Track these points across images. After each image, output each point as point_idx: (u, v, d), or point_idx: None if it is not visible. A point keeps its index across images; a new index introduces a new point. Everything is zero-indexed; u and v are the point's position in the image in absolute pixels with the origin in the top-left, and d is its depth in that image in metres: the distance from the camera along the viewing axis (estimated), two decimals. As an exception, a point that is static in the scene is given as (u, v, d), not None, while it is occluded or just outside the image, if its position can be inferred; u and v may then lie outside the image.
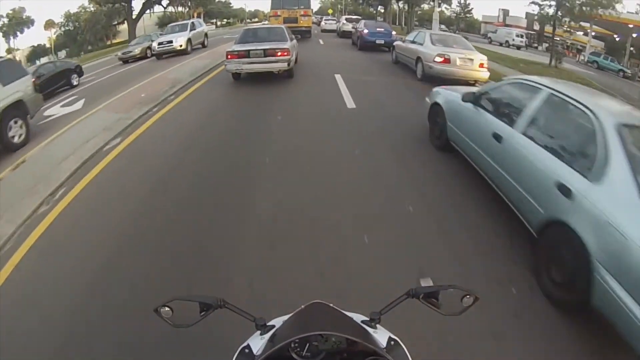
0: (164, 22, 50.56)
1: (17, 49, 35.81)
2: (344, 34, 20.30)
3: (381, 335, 1.03)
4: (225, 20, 65.37)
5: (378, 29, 14.31)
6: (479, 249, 2.87)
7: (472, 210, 3.35)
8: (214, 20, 61.36)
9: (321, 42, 17.95)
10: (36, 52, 36.96)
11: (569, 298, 2.26)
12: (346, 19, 21.93)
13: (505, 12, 45.24)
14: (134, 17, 34.03)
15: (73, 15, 37.97)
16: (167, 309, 1.02)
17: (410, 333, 1.27)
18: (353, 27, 17.76)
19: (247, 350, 1.01)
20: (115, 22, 38.15)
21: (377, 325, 1.07)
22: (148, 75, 10.74)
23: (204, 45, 17.13)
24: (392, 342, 1.02)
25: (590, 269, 2.05)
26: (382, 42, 14.04)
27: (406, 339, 1.07)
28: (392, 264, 2.71)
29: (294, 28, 14.47)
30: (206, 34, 17.72)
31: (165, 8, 41.52)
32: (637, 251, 1.83)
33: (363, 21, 16.43)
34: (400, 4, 39.89)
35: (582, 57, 33.80)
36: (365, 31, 14.08)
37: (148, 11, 38.43)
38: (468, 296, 1.05)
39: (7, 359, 2.08)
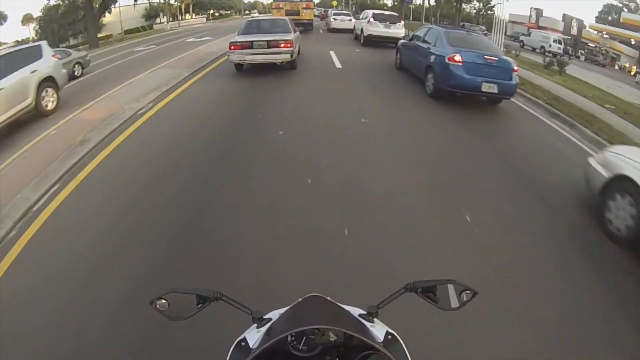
0: (150, 15, 43.32)
1: (5, 43, 32.80)
2: (369, 41, 12.93)
3: (378, 330, 1.01)
4: (219, 12, 58.66)
5: (487, 57, 5.92)
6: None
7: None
8: (210, 11, 55.22)
9: (337, 62, 9.57)
10: (20, 48, 33.22)
11: None
12: (375, 16, 13.23)
13: (539, 13, 38.32)
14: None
15: (52, 8, 34.48)
16: (163, 301, 1.00)
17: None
18: (403, 37, 9.20)
19: (243, 344, 0.99)
20: (78, 19, 33.30)
21: (375, 319, 1.05)
22: None
23: (40, 112, 6.55)
24: (390, 337, 1.00)
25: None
26: (494, 88, 5.66)
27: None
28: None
29: (296, 21, 12.77)
30: (53, 77, 6.86)
31: (135, 0, 34.83)
32: None
33: (439, 29, 7.26)
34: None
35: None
36: (458, 58, 5.67)
37: (115, 5, 31.58)
38: (467, 291, 1.02)
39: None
